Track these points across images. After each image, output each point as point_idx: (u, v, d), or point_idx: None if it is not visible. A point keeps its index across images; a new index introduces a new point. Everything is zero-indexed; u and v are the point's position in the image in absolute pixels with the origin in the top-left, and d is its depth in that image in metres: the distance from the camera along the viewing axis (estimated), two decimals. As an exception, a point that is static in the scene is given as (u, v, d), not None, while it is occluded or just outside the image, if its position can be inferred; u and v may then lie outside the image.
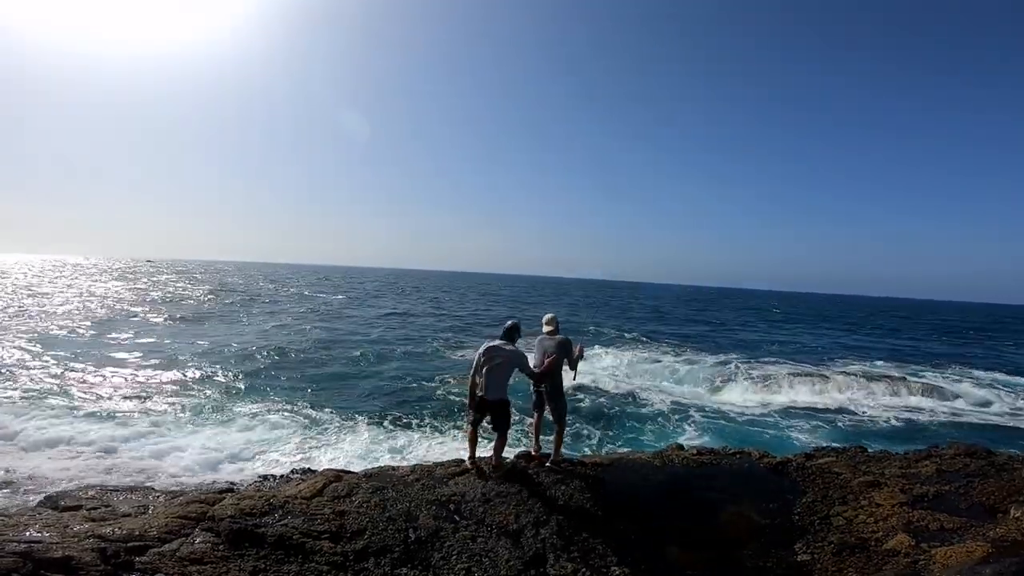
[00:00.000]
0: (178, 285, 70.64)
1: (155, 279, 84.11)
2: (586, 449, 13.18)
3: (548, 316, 6.72)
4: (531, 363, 6.38)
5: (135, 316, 35.28)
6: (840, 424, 17.53)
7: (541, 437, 6.88)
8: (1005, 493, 5.47)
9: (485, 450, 6.41)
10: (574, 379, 6.67)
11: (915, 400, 20.76)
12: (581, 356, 6.61)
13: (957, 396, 21.75)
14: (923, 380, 23.93)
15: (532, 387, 6.62)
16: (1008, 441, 16.10)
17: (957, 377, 27.01)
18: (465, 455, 6.35)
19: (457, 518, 5.24)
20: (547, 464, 6.39)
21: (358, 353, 25.54)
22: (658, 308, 77.49)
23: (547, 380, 6.40)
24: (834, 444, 12.80)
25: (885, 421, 18.06)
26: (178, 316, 36.26)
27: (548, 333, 6.57)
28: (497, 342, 6.15)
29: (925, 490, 5.79)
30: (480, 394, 6.07)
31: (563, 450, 6.71)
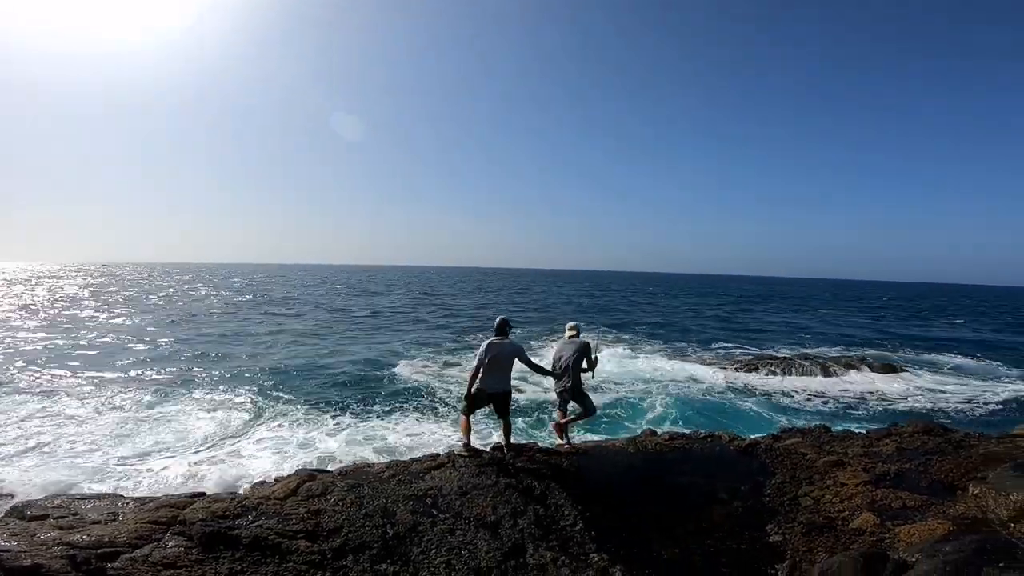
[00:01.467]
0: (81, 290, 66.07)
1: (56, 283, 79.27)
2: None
3: (571, 324, 7.13)
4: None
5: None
6: (799, 403, 17.90)
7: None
8: (963, 470, 5.54)
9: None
10: (592, 378, 7.06)
11: (871, 379, 21.27)
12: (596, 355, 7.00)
13: (904, 371, 22.47)
14: (878, 360, 24.56)
15: (555, 391, 6.94)
16: (960, 417, 16.63)
17: (912, 357, 27.88)
18: (428, 448, 6.39)
19: (435, 512, 5.12)
20: (566, 446, 6.78)
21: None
22: (628, 297, 78.15)
23: (568, 383, 6.74)
24: (799, 424, 12.98)
25: (842, 401, 18.45)
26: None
27: (569, 338, 6.94)
28: (495, 339, 6.41)
29: (887, 469, 5.84)
30: (481, 387, 6.32)
31: (539, 443, 6.85)
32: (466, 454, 6.16)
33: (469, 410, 6.54)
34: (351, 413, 14.73)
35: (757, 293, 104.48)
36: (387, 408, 15.32)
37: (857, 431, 8.10)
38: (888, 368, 22.77)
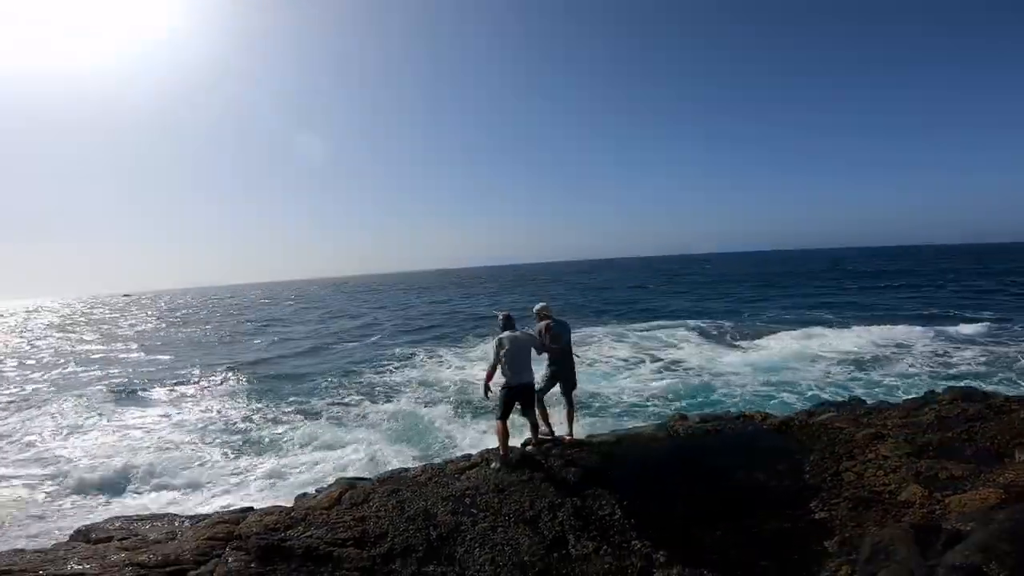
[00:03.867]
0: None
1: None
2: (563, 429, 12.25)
3: (542, 305, 6.70)
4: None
5: None
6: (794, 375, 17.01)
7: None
8: (1009, 436, 5.21)
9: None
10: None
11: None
12: None
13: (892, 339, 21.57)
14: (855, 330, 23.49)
15: (547, 370, 6.47)
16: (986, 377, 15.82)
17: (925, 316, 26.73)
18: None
19: (474, 511, 5.02)
20: (567, 439, 6.28)
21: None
22: (605, 284, 74.21)
23: (567, 359, 6.44)
24: (785, 397, 12.20)
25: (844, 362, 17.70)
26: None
27: (547, 318, 6.51)
28: (507, 333, 6.04)
29: (929, 439, 5.53)
30: (510, 383, 5.90)
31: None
32: (499, 467, 5.65)
33: (505, 414, 5.90)
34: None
35: (720, 273, 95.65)
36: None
37: (893, 401, 7.75)
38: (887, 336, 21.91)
